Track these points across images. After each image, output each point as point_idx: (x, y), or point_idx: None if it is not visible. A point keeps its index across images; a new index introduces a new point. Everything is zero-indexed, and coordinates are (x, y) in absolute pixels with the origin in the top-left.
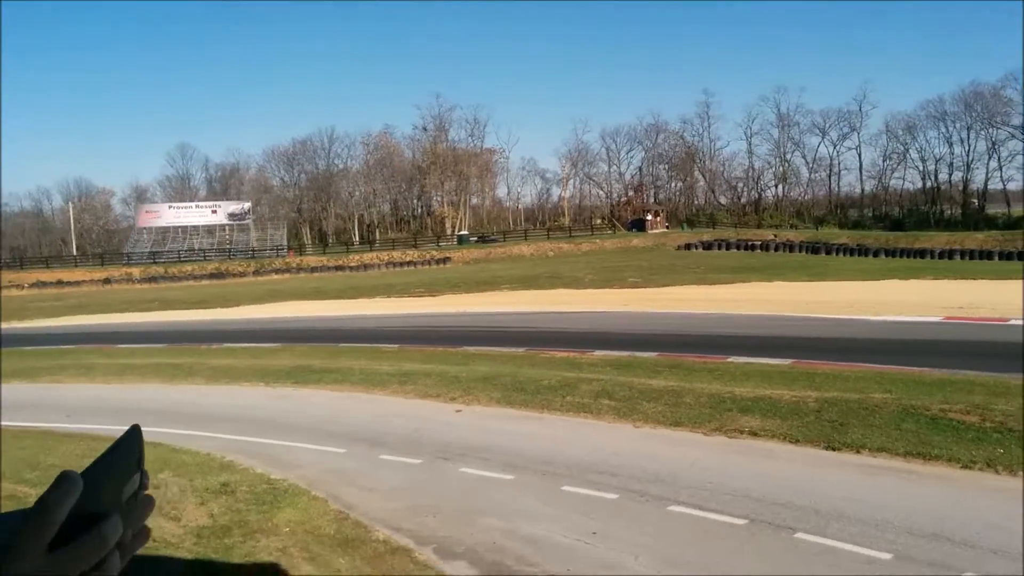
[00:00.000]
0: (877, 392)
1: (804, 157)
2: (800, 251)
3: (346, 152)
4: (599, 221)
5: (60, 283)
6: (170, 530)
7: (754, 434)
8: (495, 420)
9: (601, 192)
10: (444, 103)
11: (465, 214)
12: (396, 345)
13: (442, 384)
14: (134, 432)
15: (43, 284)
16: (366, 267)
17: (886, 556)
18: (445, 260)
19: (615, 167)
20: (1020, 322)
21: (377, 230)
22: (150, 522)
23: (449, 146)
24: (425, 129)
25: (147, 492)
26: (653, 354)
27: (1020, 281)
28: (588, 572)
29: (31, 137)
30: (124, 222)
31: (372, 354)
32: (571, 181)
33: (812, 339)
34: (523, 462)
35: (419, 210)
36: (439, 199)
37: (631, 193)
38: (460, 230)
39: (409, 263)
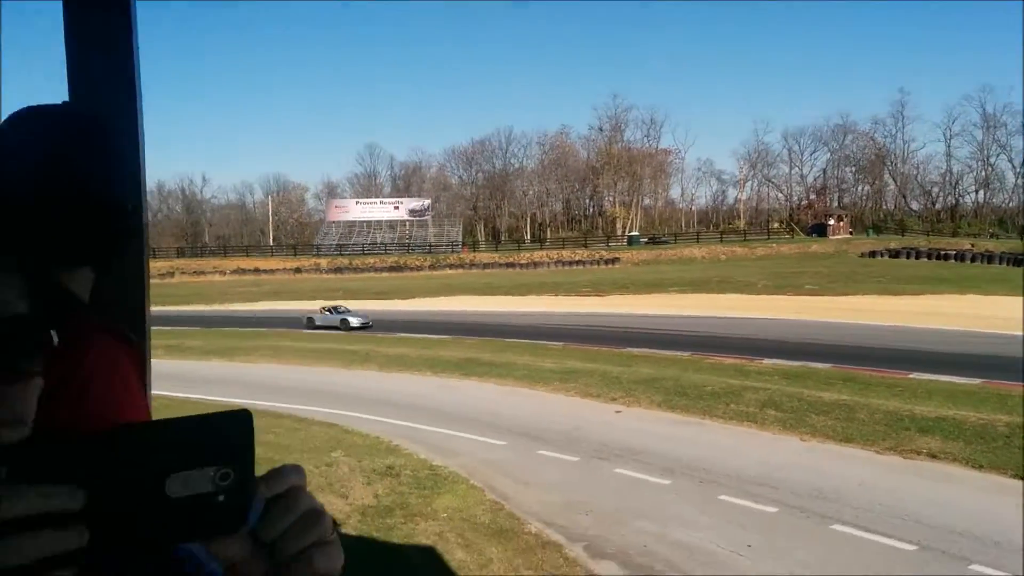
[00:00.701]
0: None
1: (1011, 161)
2: (1001, 263)
3: (522, 152)
4: (776, 225)
5: (257, 271)
6: (338, 507)
7: (933, 456)
8: (655, 423)
9: (780, 195)
10: (621, 103)
11: (636, 215)
12: (560, 343)
13: (603, 384)
14: (237, 417)
15: (243, 271)
16: (536, 265)
17: None
18: (614, 260)
19: (796, 169)
20: None
21: (548, 229)
22: (321, 497)
23: (624, 146)
24: (601, 129)
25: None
26: (827, 365)
27: None
28: None
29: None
30: (316, 215)
31: (537, 350)
32: (748, 183)
33: (1007, 358)
34: (681, 468)
35: (591, 210)
36: (611, 199)
37: (813, 196)
38: (631, 231)
39: (578, 262)
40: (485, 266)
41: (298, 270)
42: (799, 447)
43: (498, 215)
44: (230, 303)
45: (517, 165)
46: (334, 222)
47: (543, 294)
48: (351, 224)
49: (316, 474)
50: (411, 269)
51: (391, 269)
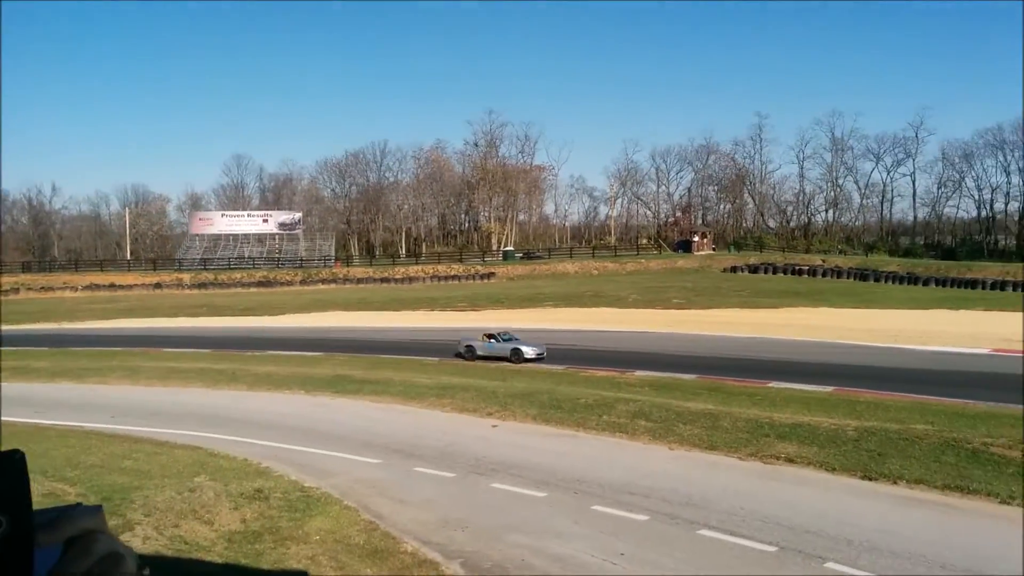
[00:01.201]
0: (919, 423)
1: (856, 183)
2: (848, 277)
3: (397, 165)
4: (645, 241)
5: (113, 286)
6: (203, 533)
7: (790, 461)
8: (530, 437)
9: (649, 212)
10: (496, 119)
11: (512, 230)
12: (436, 358)
13: (480, 399)
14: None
15: (97, 287)
16: (411, 280)
17: None
18: (490, 275)
19: (664, 187)
20: None
21: (424, 243)
22: (184, 524)
23: (499, 162)
24: (476, 145)
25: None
26: (693, 376)
27: None
28: None
29: (92, 143)
30: (178, 228)
31: (412, 366)
32: (619, 200)
33: (855, 367)
34: (556, 480)
35: (466, 225)
36: (486, 214)
37: (679, 214)
38: (506, 246)
39: (454, 277)
40: (359, 281)
41: (158, 285)
42: (668, 456)
43: (372, 229)
44: (81, 321)
45: (392, 179)
46: (198, 235)
47: (419, 309)
48: (216, 237)
49: (178, 500)
50: (281, 284)
51: (259, 284)
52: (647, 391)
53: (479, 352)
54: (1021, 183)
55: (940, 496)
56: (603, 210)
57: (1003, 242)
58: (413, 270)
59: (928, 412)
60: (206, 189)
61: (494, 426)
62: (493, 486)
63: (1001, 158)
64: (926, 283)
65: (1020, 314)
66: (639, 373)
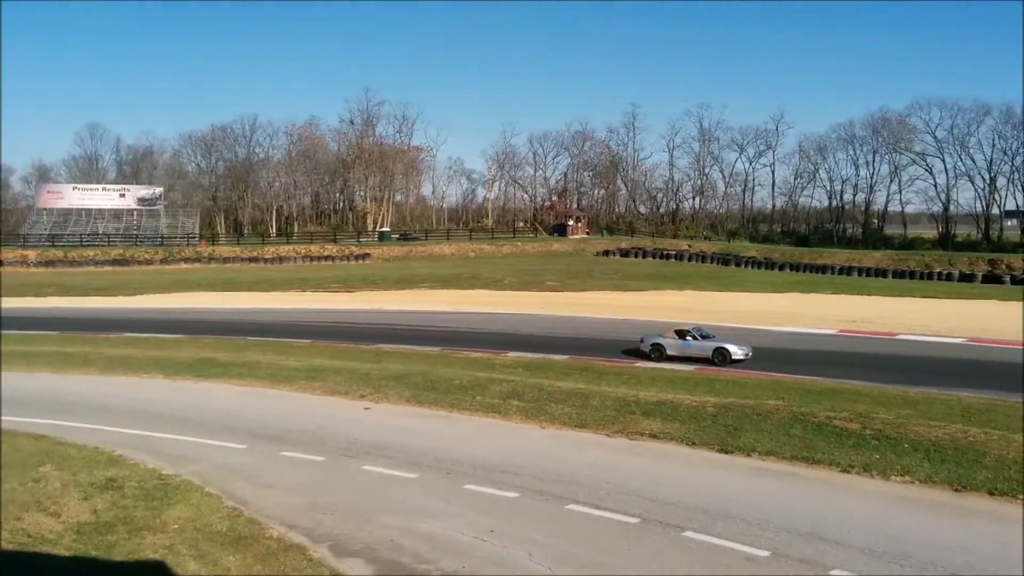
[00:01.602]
0: (771, 399)
1: (721, 172)
2: (712, 262)
3: (268, 141)
4: (522, 224)
5: None
6: (48, 526)
7: (654, 436)
8: (404, 418)
9: (526, 196)
10: (373, 97)
11: (388, 211)
12: (307, 340)
13: (352, 381)
14: None
15: None
16: (282, 260)
17: (764, 553)
18: (364, 256)
19: (541, 172)
20: (908, 337)
21: (296, 223)
22: (27, 517)
23: (376, 141)
24: (352, 123)
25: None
26: (565, 357)
27: (911, 299)
28: (482, 569)
29: None
30: (23, 202)
31: (281, 349)
32: (497, 183)
33: None
34: (428, 461)
35: (340, 204)
36: (362, 194)
37: (555, 198)
38: (382, 227)
39: (327, 258)
40: (225, 260)
41: None
42: (540, 434)
43: (240, 207)
44: None
45: (262, 155)
46: (46, 209)
47: (289, 290)
48: (67, 212)
49: (21, 491)
50: (140, 263)
51: (115, 263)
52: (520, 372)
53: (670, 352)
54: (868, 176)
55: (788, 466)
56: (481, 193)
57: (851, 230)
58: (284, 250)
59: (780, 389)
60: (55, 160)
61: (367, 408)
62: (364, 469)
63: (851, 152)
64: (781, 268)
65: (864, 297)
66: (513, 354)
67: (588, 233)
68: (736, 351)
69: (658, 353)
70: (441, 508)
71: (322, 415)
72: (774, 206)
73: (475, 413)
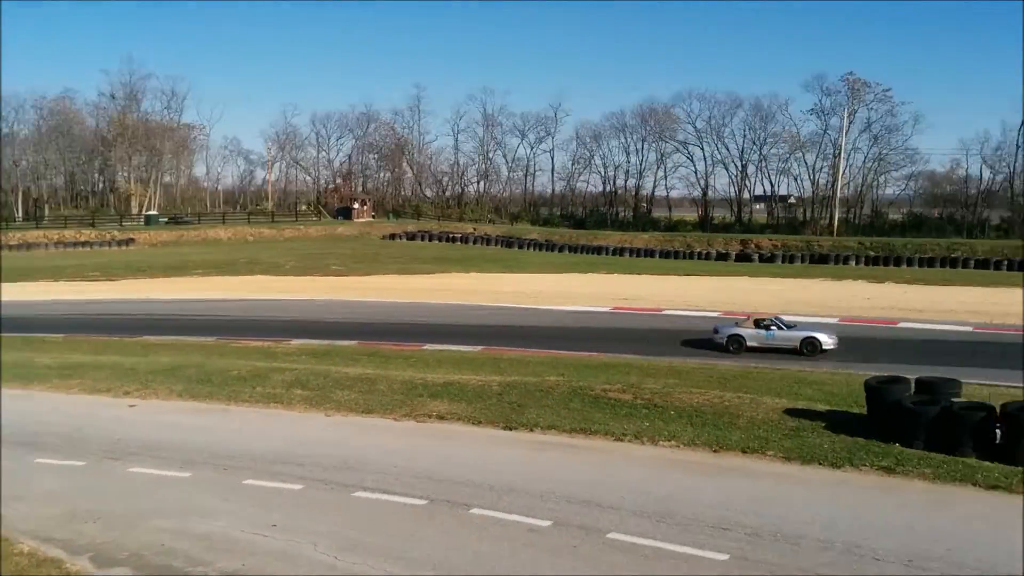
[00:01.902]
0: (552, 375)
1: (505, 156)
2: (496, 244)
3: (14, 115)
4: (305, 207)
5: None
6: None
7: (441, 418)
8: (175, 414)
9: (308, 177)
10: (137, 70)
11: (156, 193)
12: (62, 335)
13: (115, 377)
14: None
15: None
16: (30, 246)
17: (546, 523)
18: (128, 242)
19: (324, 153)
20: (673, 312)
21: (47, 205)
22: None
23: (141, 117)
24: (113, 97)
25: None
26: (352, 342)
27: (675, 277)
28: (264, 565)
29: None
30: None
31: (31, 344)
32: (277, 164)
33: (501, 327)
34: (203, 457)
35: (100, 186)
36: (125, 175)
37: (339, 181)
38: (148, 210)
39: (85, 244)
40: None
41: None
42: (325, 422)
43: None
44: None
45: (6, 130)
46: None
47: (40, 280)
48: None
49: None
50: None
51: None
52: (305, 359)
53: (751, 343)
54: (638, 163)
55: (568, 438)
56: (260, 174)
57: (623, 214)
58: (33, 235)
59: (560, 365)
60: None
61: (132, 405)
62: (131, 471)
63: (623, 140)
64: (561, 249)
65: (634, 276)
66: (296, 342)
67: (374, 216)
68: (827, 341)
69: (736, 345)
70: (217, 506)
71: (81, 415)
72: (554, 190)
73: (255, 405)
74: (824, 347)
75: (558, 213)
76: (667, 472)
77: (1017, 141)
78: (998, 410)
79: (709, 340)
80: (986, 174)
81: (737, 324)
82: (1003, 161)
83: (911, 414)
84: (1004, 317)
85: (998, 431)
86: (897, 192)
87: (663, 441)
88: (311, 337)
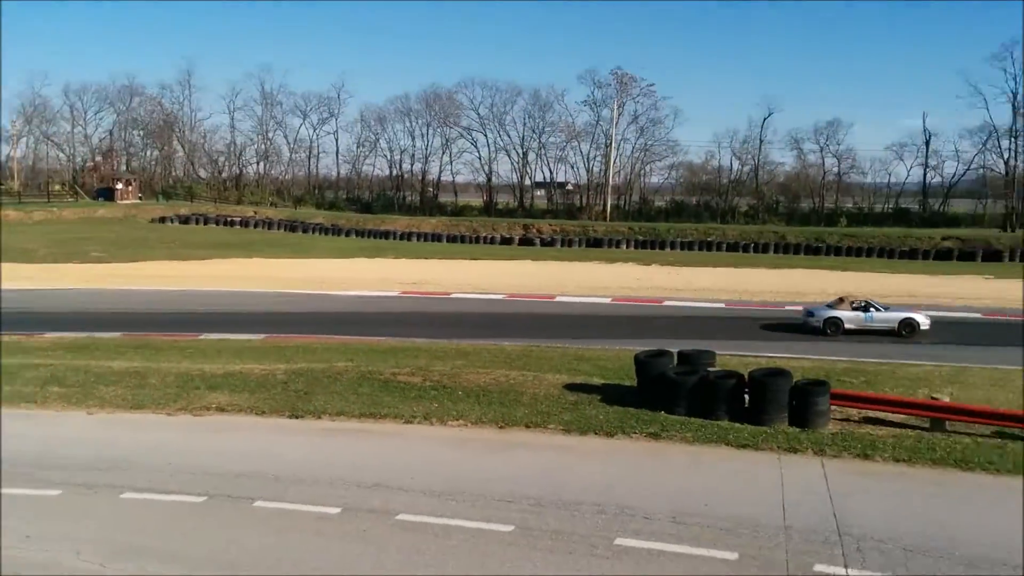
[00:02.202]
0: (341, 361)
1: (286, 137)
2: (279, 229)
3: None
4: (59, 187)
5: None
6: None
7: (221, 410)
8: None
9: (62, 155)
10: None
11: None
12: None
13: None
14: None
15: None
16: None
17: (335, 511)
18: None
19: (81, 128)
20: (461, 295)
21: None
22: None
23: None
24: None
25: None
26: (117, 334)
27: (462, 261)
28: None
29: None
30: None
31: None
32: (24, 139)
33: (287, 314)
34: None
35: None
36: None
37: (99, 158)
38: None
39: None
40: None
41: None
42: (88, 421)
43: None
44: None
45: None
46: None
47: None
48: None
49: None
50: None
51: None
52: (61, 354)
53: (848, 326)
54: (423, 147)
55: (357, 423)
56: (4, 150)
57: (410, 198)
58: None
59: (349, 351)
60: None
61: None
62: None
63: (408, 124)
64: (347, 234)
65: (423, 261)
66: (51, 335)
67: (141, 198)
68: (924, 321)
69: (834, 328)
70: None
71: None
72: (339, 173)
73: (4, 406)
74: (922, 327)
75: (344, 197)
76: (456, 451)
77: (760, 136)
78: (746, 377)
79: (494, 320)
80: (735, 165)
81: (831, 307)
82: (749, 153)
83: (674, 384)
84: (751, 294)
85: (747, 396)
86: (661, 180)
87: (451, 421)
88: (68, 330)
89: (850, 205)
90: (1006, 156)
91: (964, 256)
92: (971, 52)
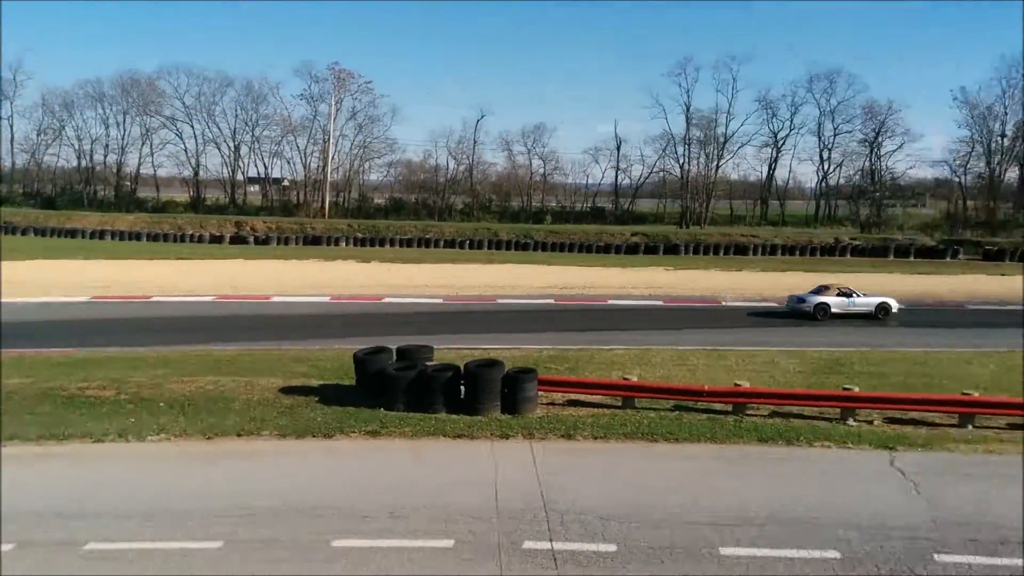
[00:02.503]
0: (15, 377)
1: None
2: None
3: None
4: None
5: None
6: None
7: None
8: None
9: None
10: None
11: None
12: None
13: None
14: None
15: None
16: None
17: (8, 547)
18: None
19: None
20: (163, 298)
21: None
22: None
23: None
24: None
25: None
26: None
27: (168, 261)
28: None
29: None
30: None
31: None
32: None
33: None
34: None
35: None
36: None
37: None
38: None
39: None
40: None
41: None
42: None
43: None
44: None
45: None
46: None
47: None
48: None
49: None
50: None
51: None
52: None
53: (835, 310)
54: (119, 137)
55: (36, 448)
56: None
57: (103, 192)
58: None
59: (25, 365)
60: None
61: None
62: None
63: (101, 111)
64: (25, 232)
65: (119, 262)
66: None
67: None
68: (895, 304)
69: (823, 312)
70: None
71: None
72: (14, 164)
73: None
74: (894, 309)
75: (20, 191)
76: (157, 468)
77: (474, 136)
78: (463, 369)
79: (203, 324)
80: (451, 164)
81: (819, 294)
82: (464, 153)
83: (393, 380)
84: (467, 289)
85: (463, 387)
86: (380, 178)
87: (151, 436)
88: None
89: (554, 204)
90: (681, 161)
91: (649, 250)
92: (653, 65)
